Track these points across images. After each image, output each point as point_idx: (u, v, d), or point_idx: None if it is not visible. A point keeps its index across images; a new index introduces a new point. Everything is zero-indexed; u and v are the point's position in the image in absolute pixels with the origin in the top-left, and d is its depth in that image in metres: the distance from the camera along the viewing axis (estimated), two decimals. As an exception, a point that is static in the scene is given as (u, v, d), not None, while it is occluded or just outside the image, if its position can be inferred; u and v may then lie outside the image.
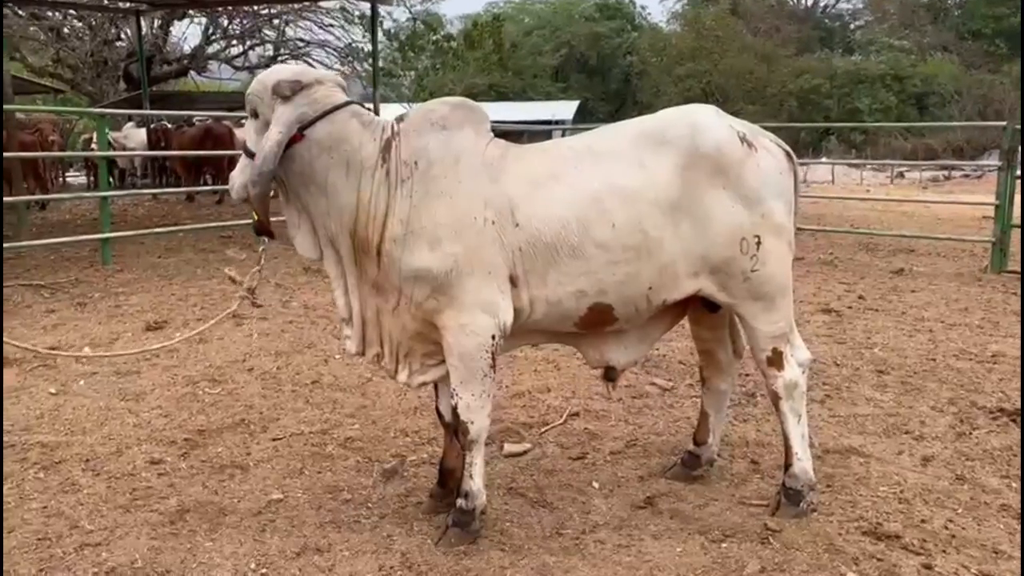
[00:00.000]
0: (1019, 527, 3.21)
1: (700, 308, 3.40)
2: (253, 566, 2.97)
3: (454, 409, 3.06)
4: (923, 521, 3.24)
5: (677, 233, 3.02)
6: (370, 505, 3.44)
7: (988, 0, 45.27)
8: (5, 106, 9.38)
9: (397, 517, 3.32)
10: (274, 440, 4.11)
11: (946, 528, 3.19)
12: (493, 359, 3.00)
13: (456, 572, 2.91)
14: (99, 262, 8.61)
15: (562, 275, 2.98)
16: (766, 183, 3.10)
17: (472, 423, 3.04)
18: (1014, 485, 3.58)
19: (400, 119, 3.07)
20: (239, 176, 3.00)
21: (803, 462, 3.29)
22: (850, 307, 7.03)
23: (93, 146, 16.76)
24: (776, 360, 3.24)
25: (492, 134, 3.11)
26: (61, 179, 19.64)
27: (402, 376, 3.17)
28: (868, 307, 7.05)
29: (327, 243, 3.06)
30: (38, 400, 4.62)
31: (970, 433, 4.18)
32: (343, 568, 2.95)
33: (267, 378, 5.05)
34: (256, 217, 3.00)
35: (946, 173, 29.37)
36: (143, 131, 17.08)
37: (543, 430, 4.23)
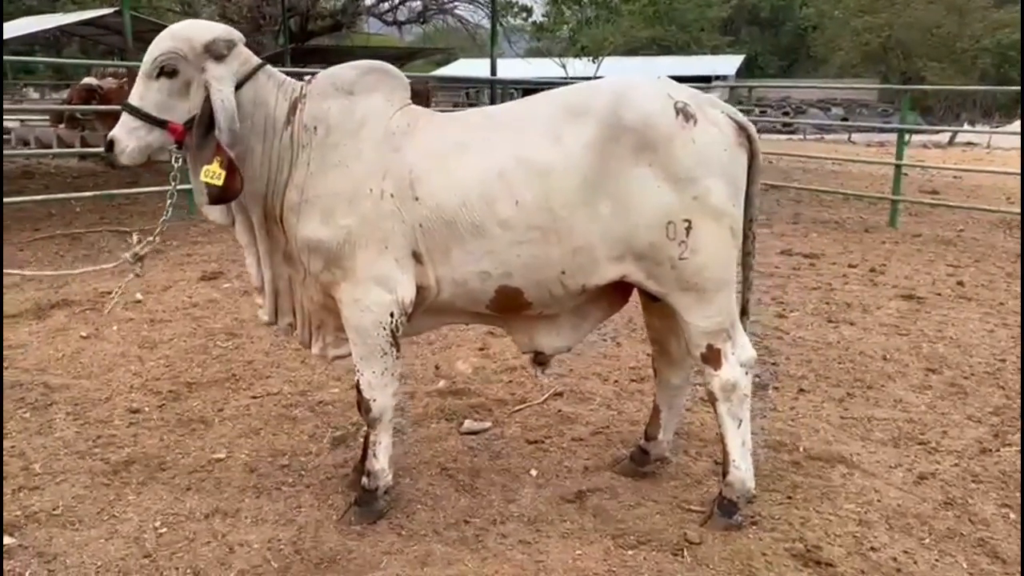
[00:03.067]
0: (987, 567, 2.77)
1: (646, 295, 3.11)
2: (158, 524, 3.03)
3: (356, 385, 2.96)
4: (873, 549, 2.86)
5: (595, 214, 2.76)
6: (302, 473, 3.42)
7: None
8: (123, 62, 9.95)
9: (319, 488, 3.29)
10: (253, 398, 4.18)
11: (894, 560, 2.80)
12: (393, 336, 2.87)
13: (336, 552, 2.84)
14: (187, 212, 9.02)
15: (465, 254, 2.80)
16: (702, 161, 2.75)
17: (374, 401, 2.94)
18: (1011, 516, 3.09)
19: (308, 80, 2.95)
20: (131, 140, 2.72)
21: (741, 471, 2.97)
22: (939, 294, 6.31)
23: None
24: (712, 358, 2.92)
25: (408, 101, 2.94)
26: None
27: (315, 348, 3.10)
28: (962, 295, 6.30)
29: (239, 209, 2.97)
30: (68, 342, 4.91)
31: (997, 450, 3.65)
32: (236, 535, 2.95)
33: (281, 334, 5.12)
34: (221, 183, 2.70)
35: None
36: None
37: (516, 408, 4.06)
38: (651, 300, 3.17)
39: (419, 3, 23.67)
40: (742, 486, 2.98)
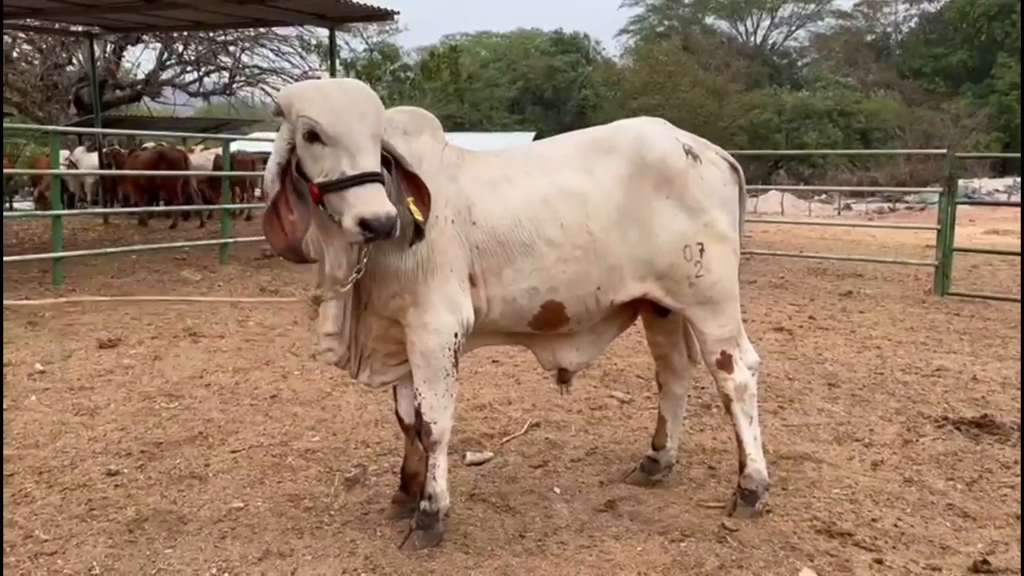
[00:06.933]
0: (964, 524, 3.33)
1: (651, 313, 3.51)
2: (214, 571, 2.95)
3: (417, 409, 3.08)
4: (874, 520, 3.34)
5: (624, 238, 3.14)
6: (332, 512, 3.43)
7: (927, 40, 47.10)
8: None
9: (360, 523, 3.33)
10: (233, 452, 4.08)
11: (896, 526, 3.29)
12: (455, 358, 3.05)
13: (420, 573, 2.92)
14: (49, 282, 8.47)
15: (516, 272, 3.07)
16: (709, 194, 3.23)
17: (435, 423, 3.06)
18: (959, 487, 3.70)
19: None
20: (392, 207, 2.61)
21: (757, 463, 3.38)
22: (801, 326, 7.21)
23: (67, 157, 16.50)
24: (725, 363, 3.34)
25: (446, 140, 3.19)
26: (9, 205, 19.24)
27: (363, 376, 3.20)
28: (819, 326, 7.23)
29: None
30: (-13, 415, 4.52)
31: (917, 440, 4.31)
32: (306, 571, 2.95)
33: (225, 393, 5.01)
34: (423, 217, 2.77)
35: (891, 205, 30.32)
36: (94, 155, 16.82)
37: (504, 440, 4.27)
38: (655, 320, 3.58)
39: (224, 75, 23.29)
40: (759, 476, 3.38)
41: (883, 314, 7.85)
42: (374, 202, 2.56)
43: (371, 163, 2.63)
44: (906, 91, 44.20)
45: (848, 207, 30.89)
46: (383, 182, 2.65)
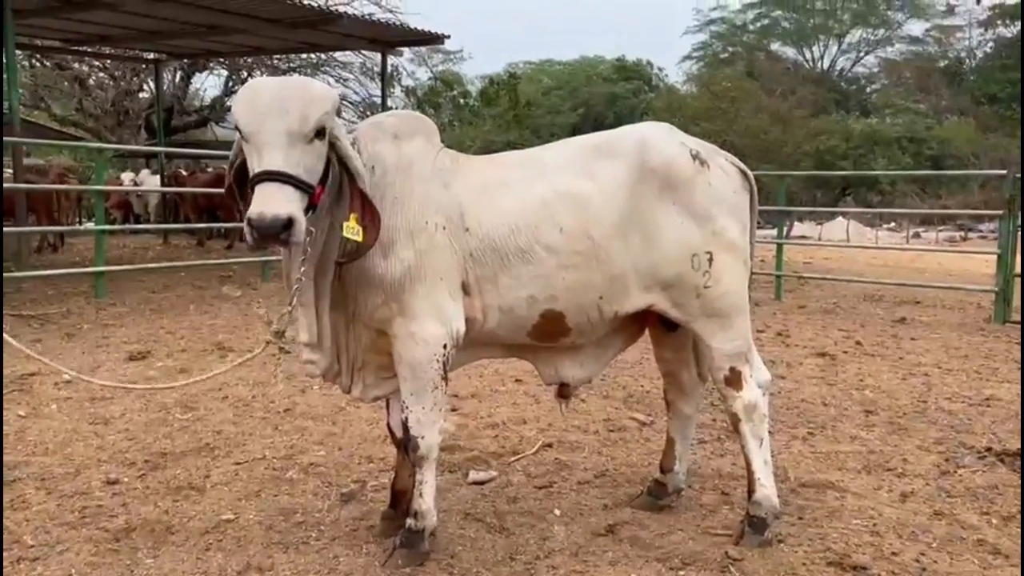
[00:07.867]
0: (993, 562, 3.06)
1: (659, 328, 3.34)
2: (190, 583, 2.88)
3: (404, 423, 2.97)
4: (894, 554, 3.10)
5: (627, 245, 2.99)
6: (322, 527, 3.33)
7: (1003, 65, 45.67)
8: (12, 139, 9.55)
9: (348, 539, 3.22)
10: (236, 464, 4.03)
11: (917, 561, 3.04)
12: (444, 370, 2.93)
13: (397, 593, 2.79)
14: (93, 296, 8.64)
15: (513, 280, 2.93)
16: (717, 200, 3.07)
17: (422, 438, 2.94)
18: (994, 521, 3.43)
19: (351, 130, 3.04)
20: (300, 214, 2.45)
21: (766, 489, 3.17)
22: (846, 352, 6.89)
23: (132, 179, 17.01)
24: (734, 380, 3.16)
25: (441, 144, 3.10)
26: (79, 223, 19.84)
27: (356, 390, 3.09)
28: (864, 352, 6.90)
29: (313, 267, 2.76)
30: (7, 422, 4.56)
31: (955, 471, 4.02)
32: (282, 587, 2.85)
33: (240, 406, 4.98)
34: (362, 238, 2.65)
35: (963, 234, 29.29)
36: (158, 178, 17.29)
37: (512, 459, 4.12)
38: (663, 335, 3.42)
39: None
40: (768, 503, 3.16)
41: (936, 342, 7.46)
42: (262, 202, 2.41)
43: (276, 161, 2.45)
44: (980, 117, 42.81)
45: (917, 235, 29.92)
46: (294, 183, 2.46)
